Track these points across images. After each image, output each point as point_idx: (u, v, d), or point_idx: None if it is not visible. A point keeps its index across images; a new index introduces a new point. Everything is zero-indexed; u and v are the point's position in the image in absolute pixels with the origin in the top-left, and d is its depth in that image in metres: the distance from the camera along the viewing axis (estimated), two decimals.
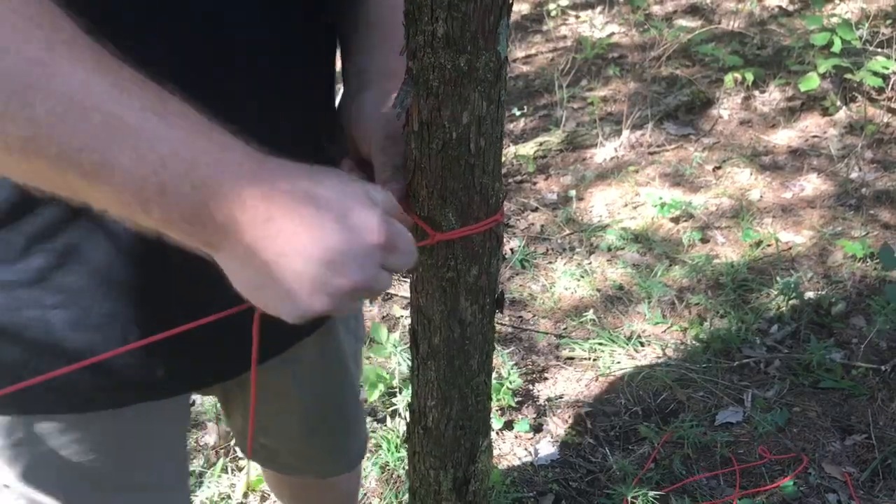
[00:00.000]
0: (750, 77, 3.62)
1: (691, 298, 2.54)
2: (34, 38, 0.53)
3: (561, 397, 2.23)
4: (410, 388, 0.96)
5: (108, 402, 0.88)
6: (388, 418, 2.14)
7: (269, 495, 1.93)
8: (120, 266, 0.80)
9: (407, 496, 1.92)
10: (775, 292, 2.52)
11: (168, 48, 0.71)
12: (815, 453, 2.02)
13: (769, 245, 2.75)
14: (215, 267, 0.63)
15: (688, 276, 2.64)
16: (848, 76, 3.43)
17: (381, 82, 0.83)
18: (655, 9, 4.57)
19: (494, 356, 2.30)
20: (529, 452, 2.06)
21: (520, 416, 2.16)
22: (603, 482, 1.97)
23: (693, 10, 4.52)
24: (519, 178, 3.25)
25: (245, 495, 1.95)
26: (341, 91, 0.91)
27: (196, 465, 2.04)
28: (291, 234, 0.60)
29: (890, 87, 3.39)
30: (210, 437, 2.10)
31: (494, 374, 2.26)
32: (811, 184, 3.09)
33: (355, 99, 0.83)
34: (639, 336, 2.41)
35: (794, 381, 2.23)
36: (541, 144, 3.39)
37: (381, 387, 2.14)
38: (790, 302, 2.48)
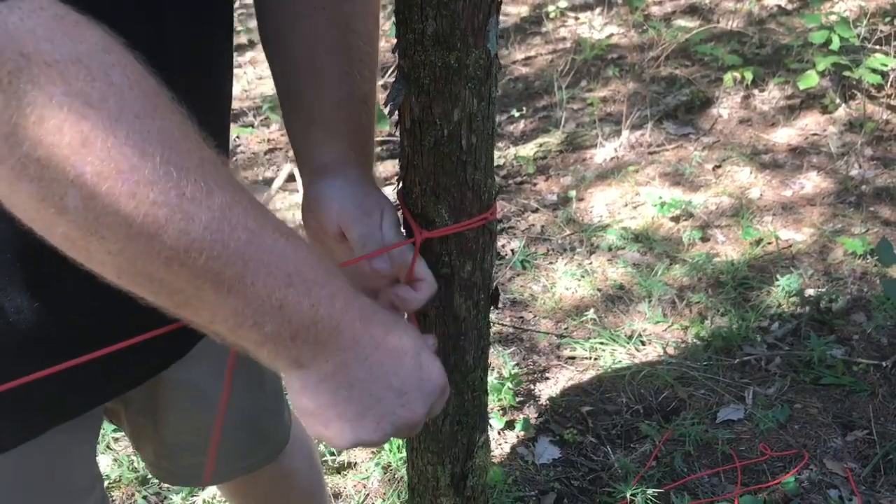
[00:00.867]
0: (749, 76, 3.63)
1: (692, 297, 2.55)
2: (190, 156, 0.54)
3: (562, 397, 2.23)
4: None
5: (17, 436, 0.84)
6: None
7: None
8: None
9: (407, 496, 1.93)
10: (776, 290, 2.52)
11: None
12: (816, 449, 2.02)
13: (769, 243, 2.76)
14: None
15: (688, 275, 2.64)
16: (847, 74, 3.44)
17: (343, 170, 0.85)
18: (654, 9, 4.58)
19: (495, 356, 2.32)
20: (531, 452, 2.07)
21: (521, 416, 2.16)
22: (605, 480, 1.97)
23: (692, 10, 4.53)
24: (519, 179, 3.26)
25: None
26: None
27: None
28: (378, 363, 0.66)
29: (889, 84, 3.39)
30: None
31: (496, 374, 2.26)
32: (811, 181, 3.10)
33: (316, 186, 0.85)
34: (640, 335, 2.42)
35: (795, 377, 2.23)
36: (541, 145, 3.40)
37: None
38: (791, 299, 2.49)
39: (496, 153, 3.34)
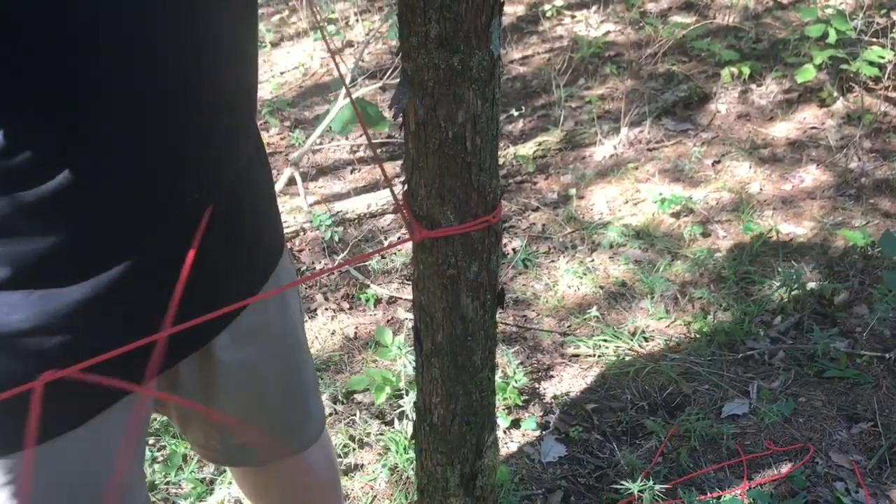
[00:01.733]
0: (746, 71, 3.63)
1: (694, 293, 2.55)
2: None
3: (567, 394, 2.24)
4: (416, 386, 0.97)
5: (70, 420, 0.88)
6: (396, 420, 2.15)
7: None
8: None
9: (416, 498, 1.93)
10: (777, 284, 2.53)
11: None
12: (821, 442, 2.03)
13: (770, 237, 2.76)
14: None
15: (690, 271, 2.65)
16: (844, 67, 3.44)
17: None
18: (650, 6, 4.58)
19: (500, 355, 2.32)
20: (537, 450, 2.07)
21: (526, 415, 2.17)
22: (611, 477, 1.98)
23: (687, 6, 4.53)
24: (519, 178, 3.26)
25: None
26: None
27: (206, 472, 2.05)
28: None
29: (886, 76, 3.40)
30: None
31: (500, 374, 2.27)
32: (811, 175, 3.10)
33: None
34: (643, 331, 2.42)
35: (798, 371, 2.24)
36: (540, 144, 3.40)
37: (388, 389, 2.15)
38: (793, 293, 2.49)
39: None
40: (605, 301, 2.57)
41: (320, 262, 2.81)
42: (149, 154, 0.80)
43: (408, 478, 2.00)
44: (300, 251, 2.88)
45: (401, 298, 2.63)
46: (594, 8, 4.66)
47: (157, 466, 2.06)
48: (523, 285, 2.67)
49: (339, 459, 2.06)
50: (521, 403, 2.19)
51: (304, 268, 2.79)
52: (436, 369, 0.92)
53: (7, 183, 0.72)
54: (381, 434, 2.13)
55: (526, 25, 4.64)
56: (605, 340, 2.40)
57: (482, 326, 0.90)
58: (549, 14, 4.64)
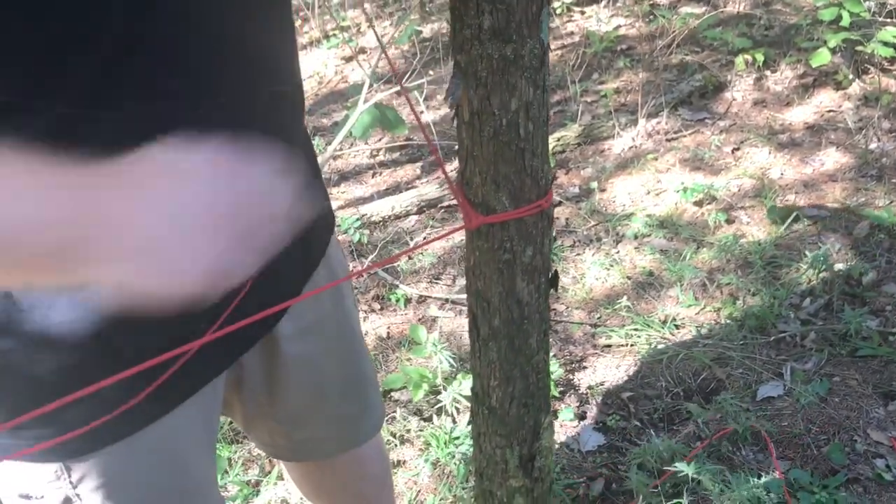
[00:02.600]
0: (760, 57, 3.64)
1: (722, 279, 2.57)
2: None
3: (602, 384, 2.26)
4: (472, 371, 1.00)
5: (154, 411, 0.88)
6: (435, 416, 2.18)
7: None
8: None
9: (459, 490, 1.95)
10: (805, 266, 2.54)
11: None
12: (859, 420, 2.04)
13: (794, 221, 2.77)
14: None
15: (716, 258, 2.66)
16: (859, 49, 3.45)
17: None
18: None
19: None
20: (576, 440, 2.09)
21: (563, 406, 2.19)
22: (651, 464, 1.99)
23: None
24: None
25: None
26: None
27: (251, 474, 2.08)
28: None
29: None
30: None
31: None
32: (831, 158, 3.11)
33: None
34: (673, 319, 2.44)
35: (831, 351, 2.25)
36: (558, 140, 3.42)
37: (426, 386, 2.18)
38: (820, 275, 2.50)
39: None
40: (634, 291, 2.59)
41: (350, 265, 2.84)
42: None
43: (450, 472, 2.03)
44: None
45: (430, 297, 2.66)
46: (603, 3, 4.68)
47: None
48: None
49: None
50: (557, 395, 2.21)
51: None
52: (493, 353, 0.94)
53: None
54: (420, 430, 2.15)
55: None
56: (636, 329, 2.42)
57: (537, 309, 0.92)
58: (559, 11, 4.67)
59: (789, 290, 2.48)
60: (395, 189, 3.36)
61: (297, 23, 5.10)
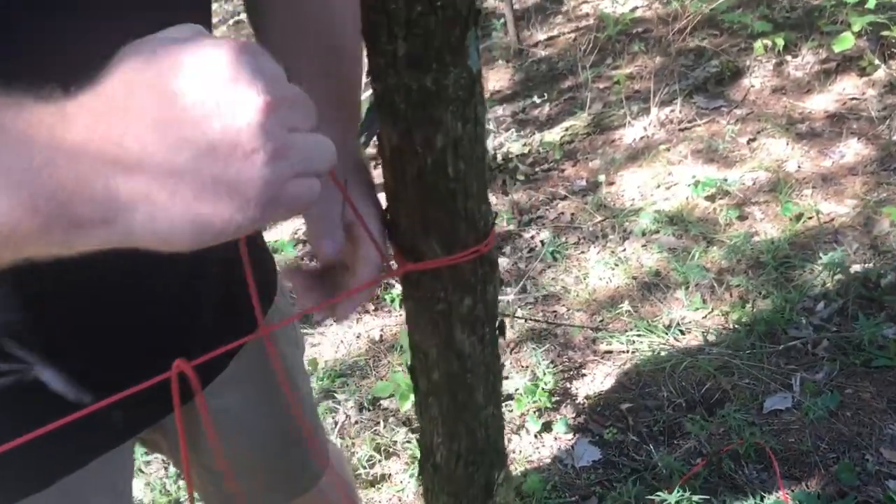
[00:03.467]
0: (780, 42, 3.48)
1: (731, 280, 2.44)
2: None
3: (600, 394, 2.15)
4: (419, 423, 0.90)
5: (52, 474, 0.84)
6: None
7: None
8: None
9: None
10: (819, 268, 2.41)
11: None
12: (871, 438, 1.92)
13: (810, 218, 2.64)
14: None
15: (726, 257, 2.54)
16: (885, 33, 3.28)
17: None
18: None
19: (528, 355, 2.24)
20: (570, 454, 1.99)
21: (558, 417, 2.09)
22: (648, 481, 1.89)
23: None
24: (546, 166, 3.16)
25: None
26: None
27: None
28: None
29: None
30: None
31: (529, 374, 2.19)
32: (852, 149, 2.96)
33: None
34: (678, 324, 2.32)
35: (844, 361, 2.12)
36: (567, 129, 3.30)
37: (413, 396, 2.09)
38: (836, 277, 2.37)
39: (522, 140, 3.26)
40: (639, 293, 2.47)
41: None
42: None
43: None
44: None
45: None
46: None
47: (182, 483, 2.02)
48: (552, 279, 2.58)
49: (366, 470, 2.01)
50: (551, 406, 2.11)
51: None
52: (435, 409, 0.85)
53: None
54: (407, 441, 2.07)
55: (550, 5, 4.51)
56: (638, 335, 2.31)
57: (482, 362, 0.82)
58: None
59: (802, 293, 2.36)
60: None
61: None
